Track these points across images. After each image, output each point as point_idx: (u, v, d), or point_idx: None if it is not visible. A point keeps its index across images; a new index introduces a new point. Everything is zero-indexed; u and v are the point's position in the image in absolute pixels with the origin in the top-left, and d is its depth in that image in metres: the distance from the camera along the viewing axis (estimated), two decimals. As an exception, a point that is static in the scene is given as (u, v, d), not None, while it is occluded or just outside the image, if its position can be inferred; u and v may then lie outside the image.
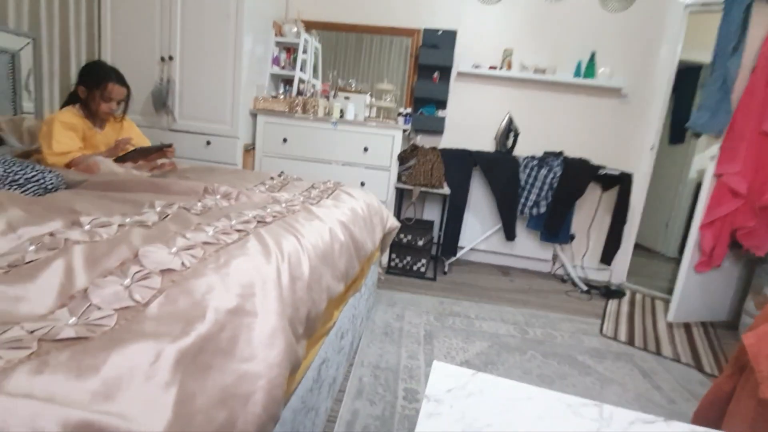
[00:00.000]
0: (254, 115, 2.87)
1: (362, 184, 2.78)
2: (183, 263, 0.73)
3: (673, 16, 2.76)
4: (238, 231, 0.92)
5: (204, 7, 2.63)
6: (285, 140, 2.84)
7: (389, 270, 2.78)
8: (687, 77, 3.76)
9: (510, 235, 2.81)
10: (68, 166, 1.65)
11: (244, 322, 0.70)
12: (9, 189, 1.12)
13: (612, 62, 2.87)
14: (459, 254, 2.99)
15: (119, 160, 1.78)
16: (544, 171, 2.66)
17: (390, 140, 2.72)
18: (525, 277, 3.00)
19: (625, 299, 2.75)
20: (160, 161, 1.92)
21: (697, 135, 2.36)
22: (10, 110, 2.24)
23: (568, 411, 0.86)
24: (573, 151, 2.94)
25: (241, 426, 0.61)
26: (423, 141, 3.10)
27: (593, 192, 2.91)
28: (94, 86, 1.72)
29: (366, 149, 2.75)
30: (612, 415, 0.86)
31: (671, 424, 0.87)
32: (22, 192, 1.13)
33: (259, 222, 1.02)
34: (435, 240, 3.02)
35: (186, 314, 0.63)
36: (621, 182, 2.74)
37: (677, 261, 4.12)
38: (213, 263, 0.75)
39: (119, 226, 0.84)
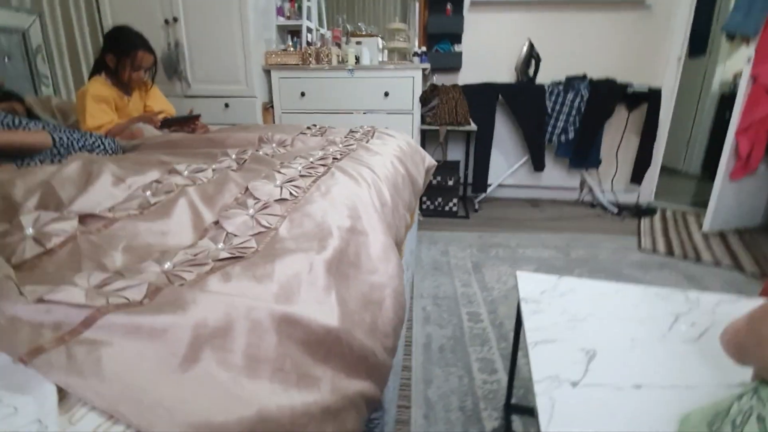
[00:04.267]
0: (268, 72, 2.80)
1: (386, 130, 2.76)
2: (291, 193, 0.76)
3: None
4: (322, 166, 0.94)
5: (203, -40, 2.50)
6: (303, 94, 2.79)
7: (423, 212, 2.82)
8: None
9: (539, 165, 2.81)
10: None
11: (360, 239, 0.74)
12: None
13: (633, -28, 2.72)
14: (488, 191, 3.00)
15: None
16: (570, 95, 2.61)
17: (410, 82, 2.67)
18: (554, 207, 3.02)
19: (657, 216, 2.79)
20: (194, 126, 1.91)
21: (731, 38, 2.27)
22: (31, 90, 2.22)
23: (657, 298, 0.91)
24: (596, 72, 2.86)
25: (381, 327, 0.67)
26: (441, 80, 3.03)
27: (619, 113, 2.86)
28: (124, 54, 1.68)
29: (387, 94, 2.70)
30: (698, 299, 0.91)
31: (753, 300, 0.93)
32: (91, 157, 1.15)
33: (333, 159, 1.04)
34: (462, 180, 3.03)
35: (315, 233, 0.67)
36: (649, 99, 2.69)
37: (700, 177, 4.13)
38: (317, 191, 0.78)
39: (213, 170, 0.87)
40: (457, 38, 2.95)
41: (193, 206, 0.70)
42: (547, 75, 2.89)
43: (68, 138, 1.17)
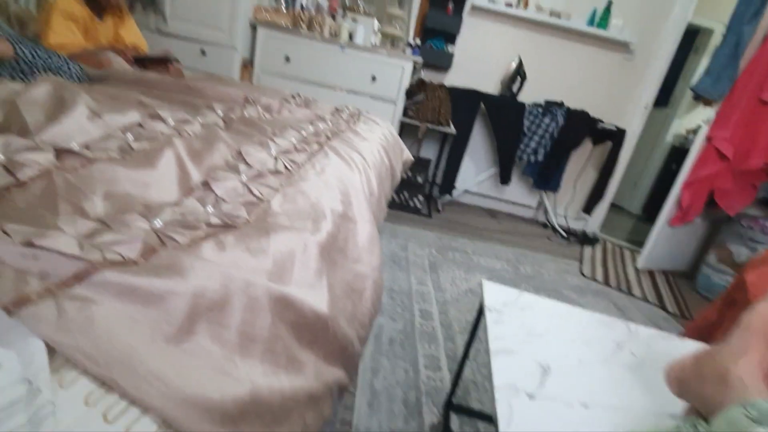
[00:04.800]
0: (254, 27, 2.65)
1: (367, 114, 2.72)
2: (286, 166, 0.73)
3: (691, -27, 2.75)
4: (316, 143, 0.91)
5: None
6: (288, 59, 2.68)
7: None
8: (681, 41, 3.84)
9: (506, 178, 2.91)
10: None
11: (349, 227, 0.73)
12: (30, 76, 1.02)
13: (626, 15, 2.86)
14: (454, 194, 3.07)
15: None
16: (547, 119, 2.72)
17: (399, 71, 2.64)
18: (510, 221, 3.16)
19: (599, 246, 3.00)
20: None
21: (698, 98, 2.46)
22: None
23: (602, 325, 0.99)
24: (572, 102, 2.99)
25: (359, 317, 0.67)
26: (427, 76, 3.03)
27: (585, 145, 3.02)
28: None
29: (374, 78, 2.66)
30: (637, 331, 1.00)
31: (684, 341, 1.03)
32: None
33: (325, 137, 1.01)
34: (430, 179, 3.07)
35: (309, 213, 0.65)
36: (614, 138, 2.86)
37: (639, 217, 4.49)
38: (312, 169, 0.76)
39: (200, 125, 0.81)
40: (451, 38, 2.96)
41: (180, 160, 0.66)
42: (528, 94, 2.99)
43: (32, 54, 1.05)
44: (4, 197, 0.45)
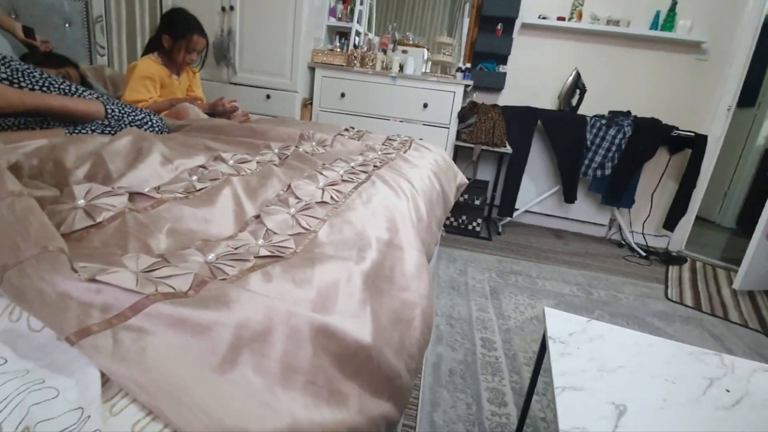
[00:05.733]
0: (312, 69, 2.83)
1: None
2: (332, 197, 0.75)
3: (770, -39, 2.50)
4: (363, 172, 0.93)
5: (265, -47, 2.55)
6: (343, 95, 2.81)
7: (445, 227, 2.79)
8: (762, 35, 3.46)
9: (570, 197, 2.75)
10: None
11: (396, 254, 0.72)
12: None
13: (693, 14, 2.66)
14: (514, 215, 2.96)
15: None
16: (612, 131, 2.56)
17: (450, 96, 2.66)
18: (579, 241, 2.96)
19: (686, 266, 2.69)
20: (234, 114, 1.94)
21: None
22: (86, 58, 2.29)
23: (691, 358, 0.87)
24: (640, 111, 2.79)
25: (408, 347, 0.65)
26: (481, 98, 3.01)
27: (660, 155, 2.79)
28: (180, 36, 1.73)
29: (425, 105, 2.70)
30: (733, 364, 0.86)
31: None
32: (138, 132, 1.17)
33: (374, 166, 1.03)
34: (488, 201, 2.99)
35: (354, 242, 0.66)
36: (694, 145, 2.61)
37: (734, 231, 3.98)
38: (358, 198, 0.78)
39: (257, 162, 0.87)
40: (503, 59, 2.93)
41: (237, 197, 0.70)
42: (589, 107, 2.84)
43: (120, 111, 1.20)
44: (83, 238, 0.51)
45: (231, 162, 0.84)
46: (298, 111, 2.80)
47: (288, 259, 0.57)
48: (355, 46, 2.91)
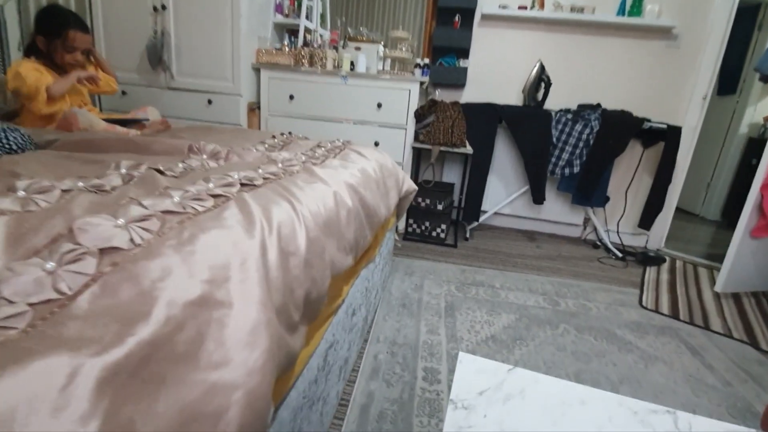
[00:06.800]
0: (257, 70, 2.63)
1: (376, 144, 2.56)
2: (132, 239, 0.55)
3: (739, -63, 2.34)
4: (215, 196, 0.74)
5: (196, -53, 2.35)
6: (291, 97, 2.61)
7: (406, 236, 2.60)
8: (742, 19, 3.31)
9: (538, 198, 2.58)
10: (55, 98, 1.49)
11: (213, 316, 0.53)
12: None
13: (661, -2, 2.49)
14: (482, 219, 2.77)
15: None
16: (579, 126, 2.38)
17: (406, 95, 2.47)
18: (553, 243, 2.78)
19: (665, 266, 2.52)
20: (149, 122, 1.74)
21: (764, 80, 2.02)
22: (-4, 69, 2.08)
23: (634, 420, 0.68)
24: (611, 103, 2.63)
25: (204, 460, 0.46)
26: (443, 95, 2.83)
27: (633, 149, 2.62)
28: (54, 35, 1.52)
29: (380, 105, 2.50)
30: (691, 426, 0.68)
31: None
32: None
33: (244, 185, 0.84)
34: (456, 204, 2.81)
35: (125, 311, 0.46)
36: (667, 137, 2.44)
37: (719, 224, 3.83)
38: (174, 239, 0.58)
39: (62, 191, 0.67)
40: (464, 53, 2.75)
41: (-20, 249, 0.51)
42: (557, 101, 2.67)
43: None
44: None
45: (22, 193, 0.64)
46: (244, 116, 2.60)
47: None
48: (305, 45, 2.71)
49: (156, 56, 2.51)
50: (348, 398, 1.22)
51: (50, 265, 0.49)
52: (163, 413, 0.43)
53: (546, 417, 0.65)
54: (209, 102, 2.58)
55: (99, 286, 0.48)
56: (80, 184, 0.73)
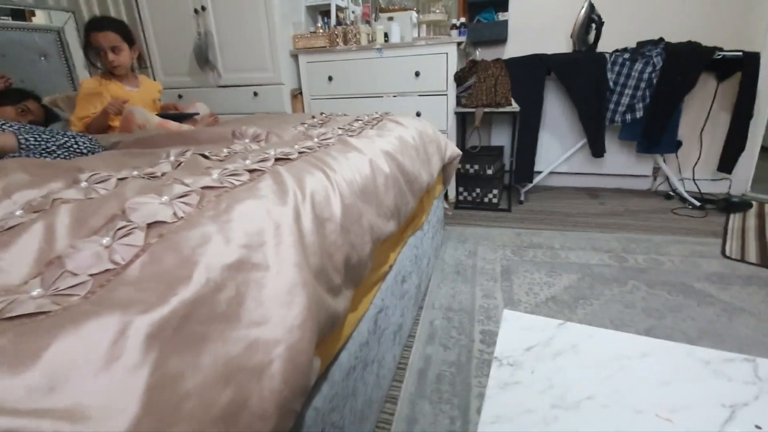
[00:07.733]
0: (295, 56, 2.67)
1: (418, 114, 2.51)
2: (174, 213, 0.60)
3: None
4: (251, 171, 0.77)
5: (224, -58, 2.41)
6: (330, 78, 2.63)
7: (458, 204, 2.55)
8: None
9: (598, 151, 2.39)
10: (88, 128, 1.65)
11: (251, 277, 0.56)
12: (40, 157, 1.09)
13: None
14: (536, 180, 2.64)
15: None
16: (639, 65, 2.15)
17: (443, 59, 2.38)
18: (618, 198, 2.58)
19: (752, 212, 2.25)
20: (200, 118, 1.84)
21: None
22: (69, 87, 2.31)
23: (706, 370, 0.62)
24: (675, 36, 2.34)
25: (255, 405, 0.49)
26: (483, 54, 2.69)
27: (706, 84, 2.33)
28: (86, 44, 1.66)
29: (417, 74, 2.44)
30: (772, 371, 0.61)
31: None
32: (53, 159, 1.09)
33: (279, 159, 0.86)
34: (507, 168, 2.70)
35: (167, 275, 0.50)
36: (744, 66, 2.14)
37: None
38: (212, 210, 0.62)
39: (119, 180, 0.74)
40: (503, 5, 2.58)
41: (50, 232, 0.57)
42: (611, 42, 2.43)
43: (36, 139, 1.13)
44: None
45: (84, 184, 0.71)
46: (288, 104, 2.66)
47: (43, 320, 0.42)
48: (338, 23, 2.70)
49: (202, 57, 2.64)
50: (405, 362, 1.25)
51: (106, 240, 0.54)
52: (209, 366, 0.47)
53: (601, 371, 0.61)
54: (255, 94, 2.67)
55: (147, 255, 0.53)
56: (135, 172, 0.80)
